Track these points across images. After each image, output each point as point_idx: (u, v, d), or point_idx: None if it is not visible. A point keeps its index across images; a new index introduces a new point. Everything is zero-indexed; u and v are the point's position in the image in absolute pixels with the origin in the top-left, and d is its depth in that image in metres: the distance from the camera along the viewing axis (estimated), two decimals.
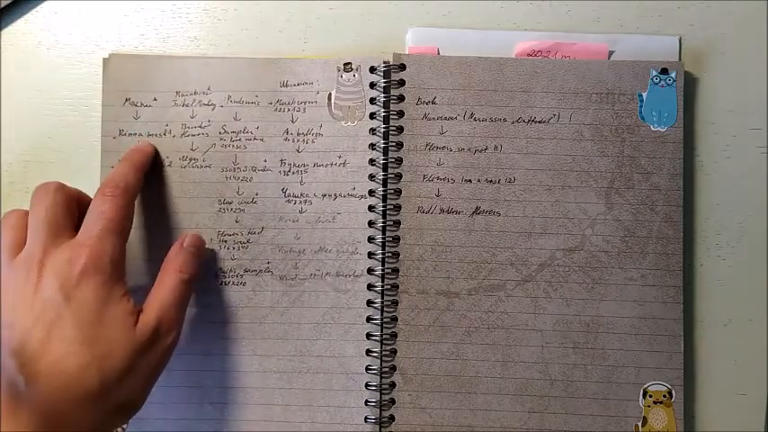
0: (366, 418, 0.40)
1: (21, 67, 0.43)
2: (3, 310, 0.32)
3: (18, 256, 0.34)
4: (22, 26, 0.43)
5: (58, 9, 0.43)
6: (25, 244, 0.34)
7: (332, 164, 0.41)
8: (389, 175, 0.40)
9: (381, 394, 0.40)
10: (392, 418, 0.39)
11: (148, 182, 0.41)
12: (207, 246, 0.41)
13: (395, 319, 0.40)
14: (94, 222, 0.34)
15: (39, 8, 0.43)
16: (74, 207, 0.36)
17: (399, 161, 0.40)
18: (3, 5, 0.43)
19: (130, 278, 0.40)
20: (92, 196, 0.36)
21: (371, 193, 0.40)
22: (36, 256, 0.33)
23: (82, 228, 0.34)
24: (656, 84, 0.40)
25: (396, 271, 0.40)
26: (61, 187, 0.36)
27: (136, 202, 0.41)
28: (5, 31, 0.43)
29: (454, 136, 0.40)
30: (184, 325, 0.40)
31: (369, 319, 0.40)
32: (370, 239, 0.40)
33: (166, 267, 0.37)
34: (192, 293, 0.40)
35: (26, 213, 0.35)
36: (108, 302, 0.33)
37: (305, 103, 0.41)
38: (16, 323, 0.32)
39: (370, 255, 0.40)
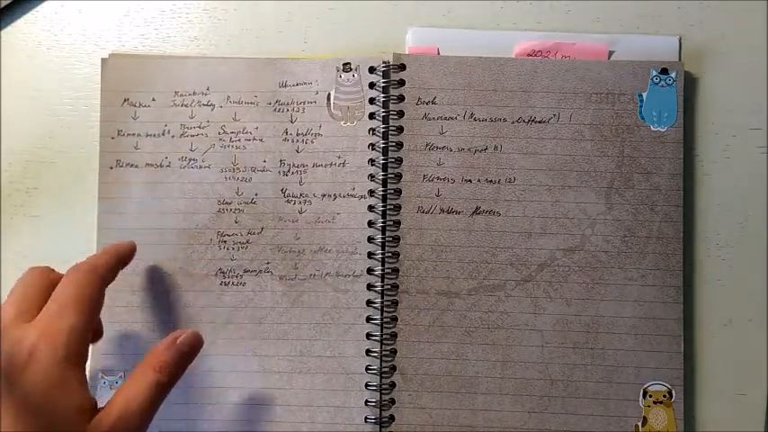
0: (366, 418, 0.40)
1: (21, 67, 0.43)
2: None
3: None
4: (22, 26, 0.43)
5: (58, 9, 0.43)
6: None
7: (331, 164, 0.41)
8: (389, 175, 0.40)
9: (381, 394, 0.40)
10: (392, 418, 0.39)
11: (148, 183, 0.41)
12: (207, 246, 0.41)
13: (395, 319, 0.40)
14: (54, 300, 0.32)
15: (39, 8, 0.43)
16: (50, 289, 0.33)
17: (399, 161, 0.40)
18: (3, 5, 0.43)
19: (126, 286, 0.40)
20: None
21: (371, 193, 0.40)
22: None
23: (41, 310, 0.31)
24: (656, 84, 0.40)
25: (396, 271, 0.40)
26: (47, 271, 0.33)
27: (136, 203, 0.41)
28: (5, 31, 0.43)
29: (454, 136, 0.40)
30: (185, 325, 0.40)
31: (369, 319, 0.40)
32: (370, 239, 0.40)
33: (146, 362, 0.32)
34: (192, 294, 0.40)
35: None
36: (59, 391, 0.29)
37: (304, 103, 0.41)
38: None
39: (370, 255, 0.40)
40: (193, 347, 0.34)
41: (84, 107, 0.42)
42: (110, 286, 0.34)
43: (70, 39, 0.43)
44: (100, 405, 0.31)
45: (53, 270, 0.34)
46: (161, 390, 0.32)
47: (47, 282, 0.33)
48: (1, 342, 0.29)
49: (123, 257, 0.37)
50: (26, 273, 0.33)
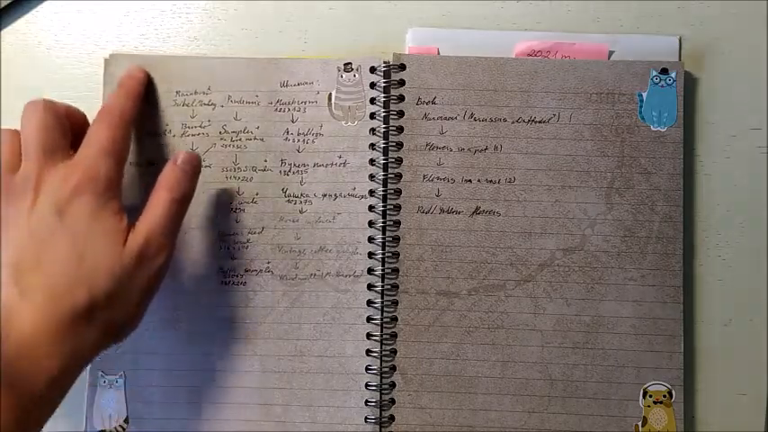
0: (366, 418, 0.40)
1: (21, 67, 0.43)
2: (2, 228, 0.33)
3: (15, 175, 0.34)
4: (22, 26, 0.43)
5: (58, 9, 0.43)
6: (21, 163, 0.34)
7: (332, 164, 0.41)
8: (389, 175, 0.40)
9: (381, 394, 0.40)
10: (392, 418, 0.39)
11: (149, 183, 0.41)
12: (207, 245, 0.41)
13: (395, 319, 0.40)
14: (90, 145, 0.35)
15: (39, 8, 0.43)
16: (65, 123, 0.36)
17: (399, 161, 0.40)
18: (3, 5, 0.43)
19: None
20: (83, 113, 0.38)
21: (372, 193, 0.40)
22: (32, 175, 0.33)
23: (78, 152, 0.35)
24: (656, 84, 0.40)
25: (396, 271, 0.40)
26: (51, 105, 0.36)
27: (137, 202, 0.41)
28: (5, 31, 0.43)
29: (454, 136, 0.40)
30: (184, 325, 0.40)
31: (369, 319, 0.40)
32: (371, 239, 0.40)
33: (157, 187, 0.36)
34: (193, 293, 0.40)
35: (17, 132, 0.35)
36: (99, 218, 0.33)
37: (305, 103, 0.41)
38: (12, 239, 0.32)
39: (371, 255, 0.40)
40: (193, 164, 0.37)
41: (85, 107, 0.42)
42: None
43: (70, 39, 0.43)
44: None
45: (53, 102, 0.36)
46: (176, 205, 0.36)
47: (60, 116, 0.36)
48: (45, 183, 0.33)
49: (141, 95, 0.40)
50: (32, 109, 0.35)
